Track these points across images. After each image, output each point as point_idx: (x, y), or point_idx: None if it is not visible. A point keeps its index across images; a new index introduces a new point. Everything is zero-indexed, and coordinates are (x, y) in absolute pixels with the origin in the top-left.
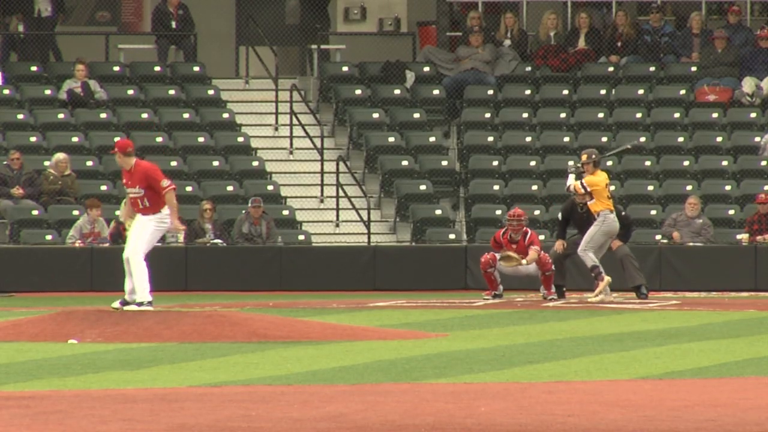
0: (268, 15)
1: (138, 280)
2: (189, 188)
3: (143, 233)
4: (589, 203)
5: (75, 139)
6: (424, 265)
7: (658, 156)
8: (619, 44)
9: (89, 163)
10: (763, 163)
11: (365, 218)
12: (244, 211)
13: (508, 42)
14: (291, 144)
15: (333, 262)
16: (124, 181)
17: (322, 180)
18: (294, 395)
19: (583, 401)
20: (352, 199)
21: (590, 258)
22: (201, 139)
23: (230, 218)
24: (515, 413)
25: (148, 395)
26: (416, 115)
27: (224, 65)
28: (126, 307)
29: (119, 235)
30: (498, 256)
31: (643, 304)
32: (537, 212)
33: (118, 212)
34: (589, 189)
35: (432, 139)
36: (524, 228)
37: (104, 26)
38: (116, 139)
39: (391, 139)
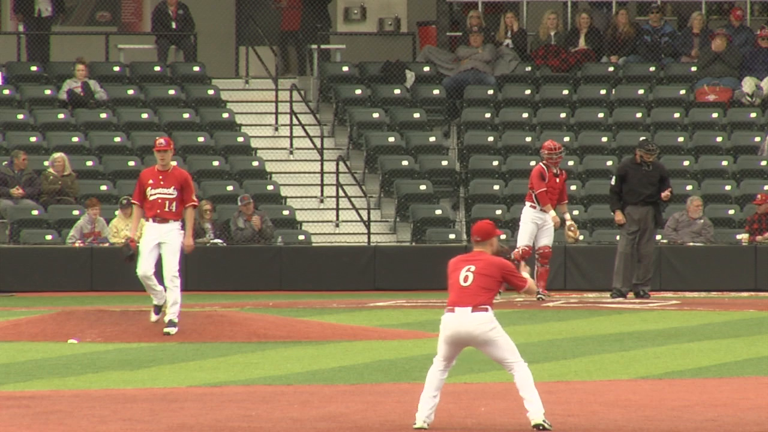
0: (268, 15)
1: (178, 300)
2: None
3: (177, 251)
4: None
5: (75, 139)
6: (424, 265)
7: (658, 156)
8: (619, 42)
9: (89, 163)
10: (763, 163)
11: (365, 218)
12: (236, 212)
13: (509, 42)
14: (291, 144)
15: (333, 262)
16: (152, 182)
17: (322, 180)
18: (294, 395)
19: (583, 401)
20: (352, 199)
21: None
22: (201, 139)
23: (230, 218)
24: (515, 413)
25: (148, 395)
26: (416, 115)
27: (224, 65)
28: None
29: (134, 256)
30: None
31: (643, 304)
32: None
33: (126, 231)
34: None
35: (432, 139)
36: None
37: (104, 26)
38: (154, 138)
39: (391, 139)
